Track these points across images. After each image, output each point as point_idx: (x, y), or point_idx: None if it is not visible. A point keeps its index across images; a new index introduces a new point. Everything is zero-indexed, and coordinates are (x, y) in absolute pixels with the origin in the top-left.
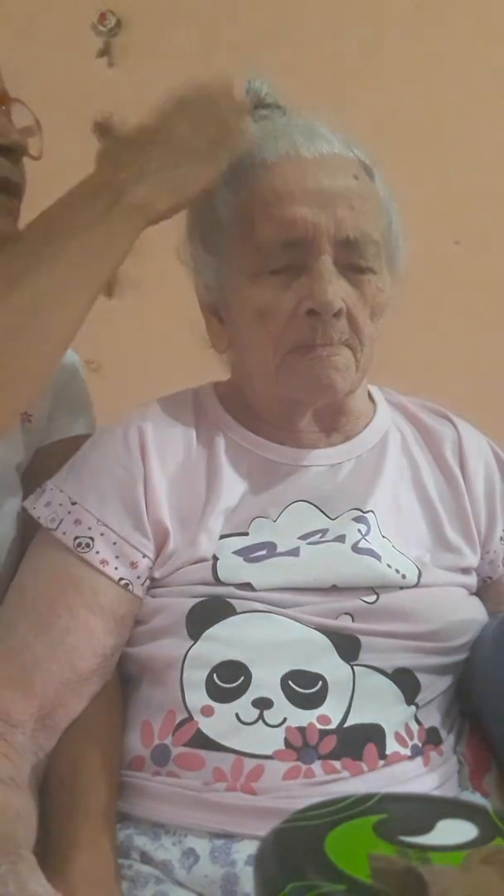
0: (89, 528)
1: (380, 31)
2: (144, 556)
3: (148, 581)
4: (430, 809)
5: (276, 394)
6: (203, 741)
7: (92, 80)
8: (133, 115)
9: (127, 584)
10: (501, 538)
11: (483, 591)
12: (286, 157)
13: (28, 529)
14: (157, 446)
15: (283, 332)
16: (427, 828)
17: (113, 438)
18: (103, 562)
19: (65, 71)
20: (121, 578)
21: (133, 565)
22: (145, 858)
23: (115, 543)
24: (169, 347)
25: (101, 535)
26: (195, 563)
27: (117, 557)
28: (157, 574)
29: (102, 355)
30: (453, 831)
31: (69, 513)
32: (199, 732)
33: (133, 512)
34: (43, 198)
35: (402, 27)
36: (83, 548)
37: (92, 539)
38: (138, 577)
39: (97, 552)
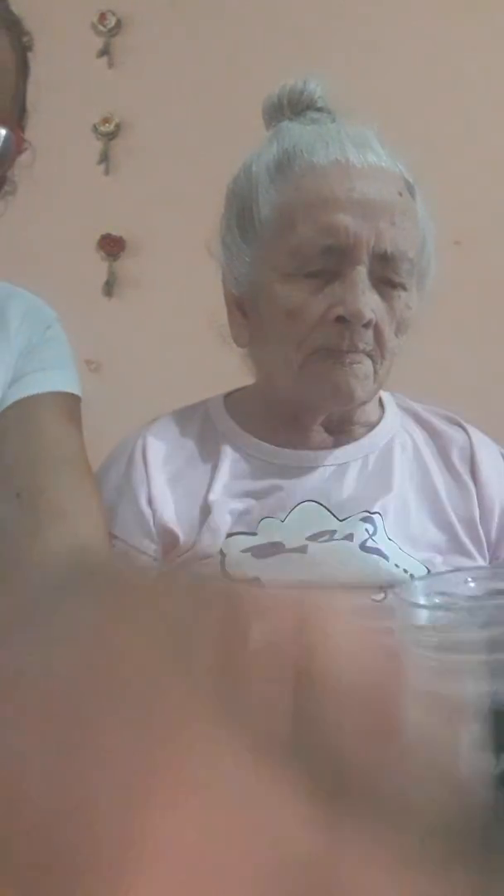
0: None
1: (380, 30)
2: (154, 559)
3: None
4: None
5: (295, 394)
6: None
7: (92, 80)
8: (133, 115)
9: None
10: None
11: None
12: (335, 163)
13: None
14: (159, 458)
15: (309, 334)
16: None
17: (121, 453)
18: None
19: (65, 71)
20: None
21: None
22: None
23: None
24: (169, 347)
25: (112, 545)
26: (201, 559)
27: None
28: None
29: (102, 355)
30: None
31: None
32: None
33: (139, 519)
34: (43, 198)
35: (403, 26)
36: None
37: None
38: None
39: None
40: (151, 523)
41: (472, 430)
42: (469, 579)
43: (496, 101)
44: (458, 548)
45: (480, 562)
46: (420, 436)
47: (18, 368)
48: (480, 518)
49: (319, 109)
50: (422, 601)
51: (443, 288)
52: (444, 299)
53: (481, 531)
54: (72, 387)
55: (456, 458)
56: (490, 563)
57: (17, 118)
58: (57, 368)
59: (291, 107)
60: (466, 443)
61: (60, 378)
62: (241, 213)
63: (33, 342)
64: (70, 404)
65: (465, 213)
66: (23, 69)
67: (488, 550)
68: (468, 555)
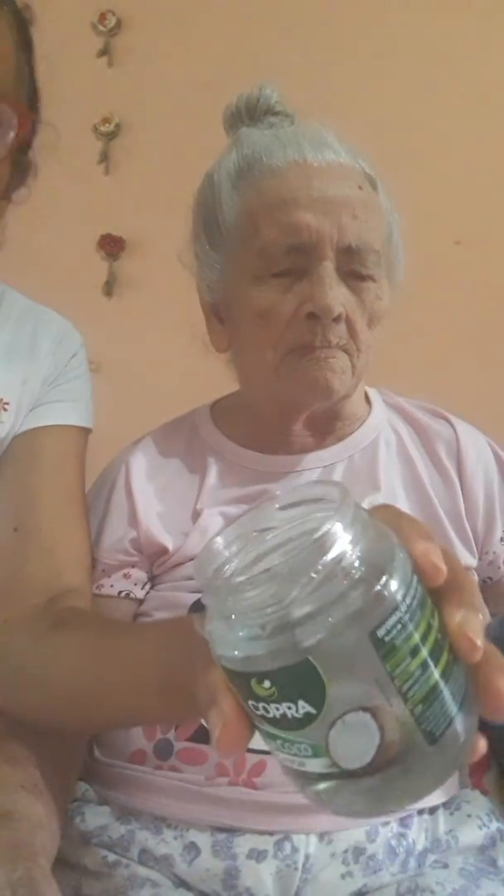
0: None
1: (381, 31)
2: (133, 565)
3: (148, 584)
4: None
5: (274, 395)
6: (205, 736)
7: (92, 80)
8: (133, 115)
9: (128, 594)
10: (501, 539)
11: (483, 591)
12: (294, 164)
13: None
14: (142, 476)
15: (282, 333)
16: None
17: (105, 480)
18: (99, 586)
19: (65, 71)
20: (120, 591)
21: (126, 576)
22: (144, 857)
23: (103, 570)
24: (169, 348)
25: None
26: (192, 558)
27: (109, 577)
28: (157, 571)
29: (102, 355)
30: None
31: None
32: (201, 727)
33: (120, 545)
34: (43, 197)
35: (403, 27)
36: None
37: None
38: (135, 584)
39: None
40: (130, 546)
41: (457, 422)
42: (277, 505)
43: (497, 100)
44: (445, 543)
45: (466, 557)
46: (406, 431)
47: (40, 396)
48: (466, 512)
49: (277, 114)
50: (219, 554)
51: (443, 288)
52: (444, 299)
53: (467, 526)
54: (83, 420)
55: (442, 453)
56: (480, 558)
57: (23, 96)
58: (73, 401)
59: (249, 113)
60: (452, 437)
61: (74, 412)
62: (207, 221)
63: (58, 370)
64: (77, 438)
65: (465, 213)
66: (24, 46)
67: (476, 545)
68: (457, 550)
